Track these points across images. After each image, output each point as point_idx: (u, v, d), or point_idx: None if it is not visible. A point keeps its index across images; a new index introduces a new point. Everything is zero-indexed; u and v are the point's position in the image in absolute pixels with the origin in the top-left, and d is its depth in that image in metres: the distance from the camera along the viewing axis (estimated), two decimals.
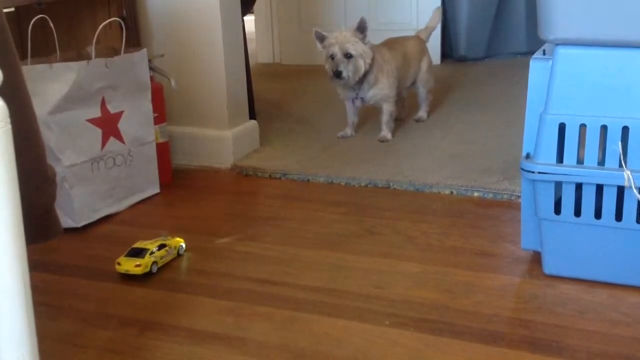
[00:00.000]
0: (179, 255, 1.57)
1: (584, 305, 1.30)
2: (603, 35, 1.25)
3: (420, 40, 2.55)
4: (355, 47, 2.19)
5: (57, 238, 1.03)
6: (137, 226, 1.77)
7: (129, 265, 1.47)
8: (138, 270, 1.47)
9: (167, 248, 1.54)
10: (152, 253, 1.50)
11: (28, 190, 0.81)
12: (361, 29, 2.20)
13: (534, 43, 3.33)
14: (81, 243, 1.68)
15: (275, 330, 1.26)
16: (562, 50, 1.30)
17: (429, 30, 2.61)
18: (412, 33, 2.68)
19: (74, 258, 1.60)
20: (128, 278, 1.47)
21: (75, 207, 1.72)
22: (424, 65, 2.52)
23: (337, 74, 2.21)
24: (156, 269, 1.50)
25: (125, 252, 1.51)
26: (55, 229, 1.01)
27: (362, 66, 2.21)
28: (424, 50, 2.54)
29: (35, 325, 0.74)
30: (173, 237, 1.58)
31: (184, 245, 1.59)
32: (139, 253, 1.49)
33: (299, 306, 1.34)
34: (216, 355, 1.19)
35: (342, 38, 2.19)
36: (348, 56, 2.20)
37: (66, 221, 1.70)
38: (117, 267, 1.49)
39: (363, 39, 2.20)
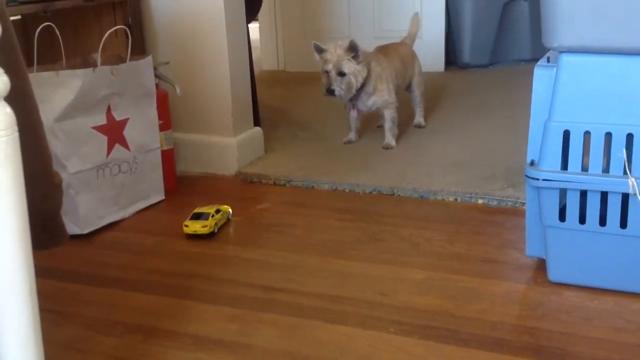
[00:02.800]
0: (228, 219, 1.80)
1: (589, 312, 1.30)
2: (607, 42, 1.26)
3: (408, 46, 2.59)
4: (349, 66, 2.23)
5: (63, 245, 1.03)
6: (142, 233, 1.77)
7: (196, 227, 1.69)
8: (205, 230, 1.69)
9: (221, 212, 1.76)
10: (212, 216, 1.72)
11: (34, 197, 0.81)
12: (352, 49, 2.22)
13: (538, 50, 3.33)
14: (86, 249, 1.68)
15: (280, 337, 1.26)
16: (566, 58, 1.30)
17: (412, 36, 2.64)
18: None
19: (79, 264, 1.60)
20: (132, 284, 1.48)
21: (81, 214, 1.72)
22: (417, 69, 2.57)
23: (330, 91, 2.25)
24: (217, 229, 1.72)
25: (189, 217, 1.72)
26: (61, 235, 1.01)
27: (355, 84, 2.26)
28: (414, 55, 2.60)
29: (41, 331, 0.74)
30: (221, 204, 1.80)
31: (231, 211, 1.82)
32: (201, 216, 1.72)
33: (303, 313, 1.34)
34: None
35: (337, 56, 2.23)
36: (341, 74, 2.23)
37: (71, 228, 1.70)
38: (184, 229, 1.70)
39: (356, 57, 2.23)
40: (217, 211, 1.75)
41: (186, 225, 1.70)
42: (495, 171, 2.04)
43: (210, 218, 1.71)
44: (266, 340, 1.25)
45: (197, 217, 1.72)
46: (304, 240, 1.68)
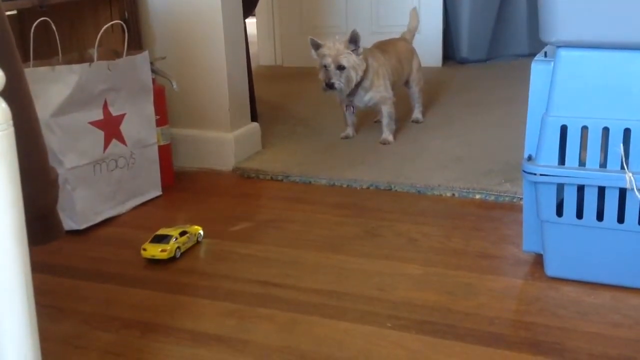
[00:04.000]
0: (197, 242, 1.65)
1: (586, 307, 1.30)
2: (604, 37, 1.25)
3: (407, 42, 2.58)
4: (348, 59, 2.22)
5: (59, 240, 1.03)
6: (139, 229, 1.77)
7: (154, 251, 1.54)
8: (164, 255, 1.54)
9: (188, 235, 1.61)
10: (176, 239, 1.57)
11: (30, 193, 0.81)
12: (353, 40, 2.22)
13: (536, 45, 3.33)
14: (83, 245, 1.68)
15: (277, 332, 1.26)
16: (563, 53, 1.30)
17: (412, 32, 2.63)
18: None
19: (75, 260, 1.60)
20: (129, 279, 1.48)
21: (77, 210, 1.72)
22: (415, 65, 2.56)
23: (330, 85, 2.24)
24: (179, 254, 1.57)
25: (150, 239, 1.57)
26: (57, 231, 1.01)
27: (354, 77, 2.25)
28: (413, 51, 2.59)
29: (37, 326, 0.74)
30: (191, 225, 1.66)
31: (202, 233, 1.66)
32: (163, 239, 1.57)
33: (301, 308, 1.34)
34: (218, 358, 1.19)
35: (335, 50, 2.22)
36: (341, 68, 2.23)
37: (68, 223, 1.70)
38: (142, 252, 1.55)
39: (356, 50, 2.22)
40: (183, 233, 1.60)
41: (144, 249, 1.55)
42: (493, 166, 2.04)
43: (172, 242, 1.55)
44: (264, 335, 1.25)
45: (159, 239, 1.56)
46: (302, 236, 1.68)
